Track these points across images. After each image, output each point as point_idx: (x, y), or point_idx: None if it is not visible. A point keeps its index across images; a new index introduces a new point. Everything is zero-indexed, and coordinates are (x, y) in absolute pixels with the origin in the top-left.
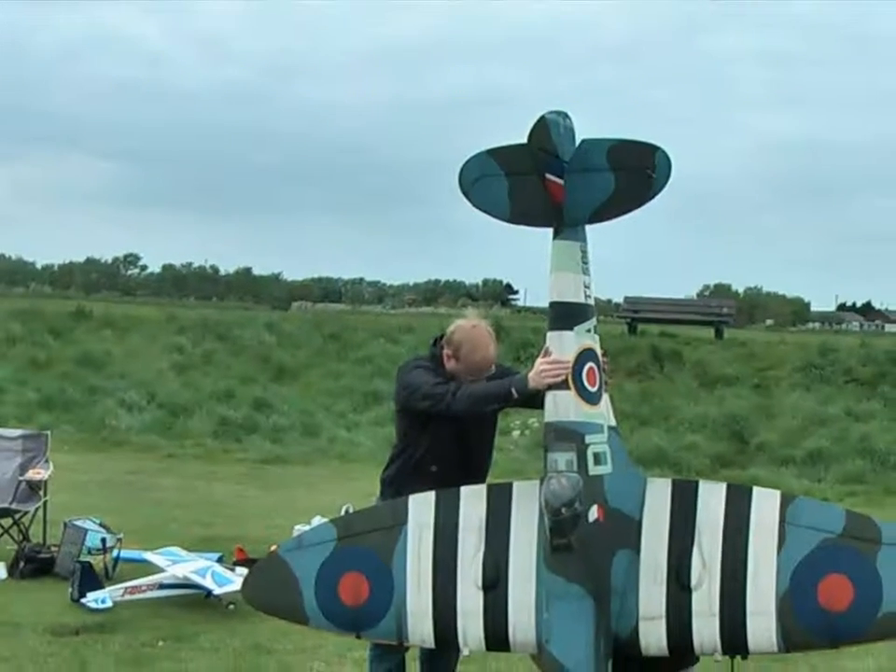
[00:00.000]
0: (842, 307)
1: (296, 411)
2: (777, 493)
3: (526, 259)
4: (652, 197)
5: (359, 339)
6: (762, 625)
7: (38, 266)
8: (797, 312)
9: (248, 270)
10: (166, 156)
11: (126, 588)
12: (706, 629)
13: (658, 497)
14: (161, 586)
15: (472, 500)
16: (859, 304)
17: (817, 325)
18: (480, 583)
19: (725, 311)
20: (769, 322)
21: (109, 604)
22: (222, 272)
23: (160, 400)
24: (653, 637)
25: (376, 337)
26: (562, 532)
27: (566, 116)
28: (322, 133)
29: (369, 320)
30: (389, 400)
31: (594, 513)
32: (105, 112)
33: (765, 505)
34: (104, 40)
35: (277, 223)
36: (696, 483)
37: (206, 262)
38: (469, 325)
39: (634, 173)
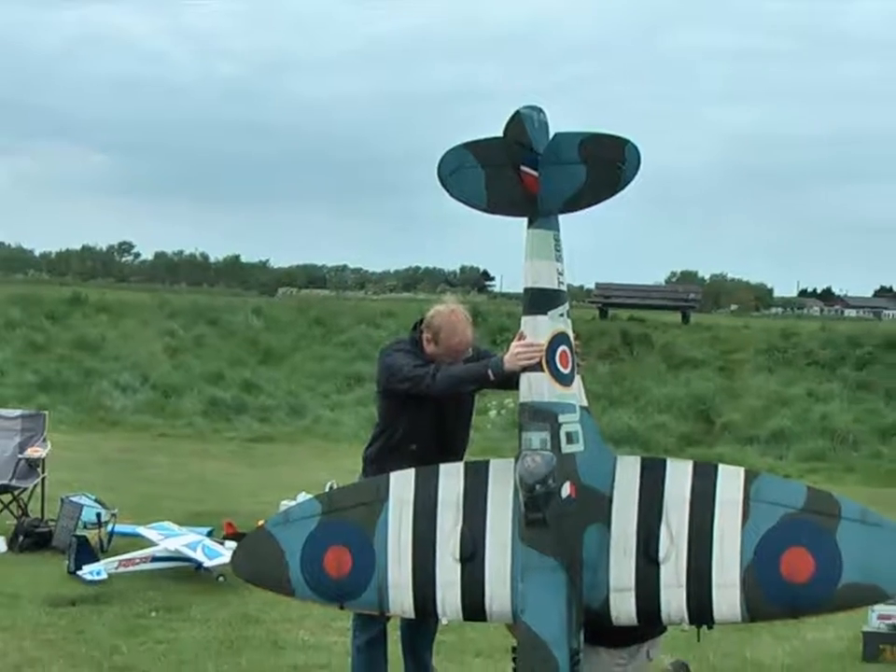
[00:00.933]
0: (803, 293)
1: (282, 392)
2: (742, 470)
3: (502, 248)
4: (622, 188)
5: (343, 323)
6: (727, 596)
7: (37, 254)
8: (760, 297)
9: (237, 257)
10: (159, 149)
11: (120, 561)
12: (673, 600)
13: (628, 474)
14: (154, 559)
15: (450, 477)
16: (819, 290)
17: (779, 310)
18: (457, 556)
19: (691, 296)
20: (733, 307)
21: (104, 576)
22: (212, 259)
23: (152, 382)
24: (623, 608)
25: (359, 322)
26: (536, 507)
27: (539, 110)
28: (309, 127)
29: (352, 305)
30: (371, 382)
31: (566, 490)
32: (101, 107)
33: (730, 482)
34: (101, 38)
35: (264, 213)
36: (664, 460)
37: (197, 250)
38: (448, 310)
39: (604, 165)
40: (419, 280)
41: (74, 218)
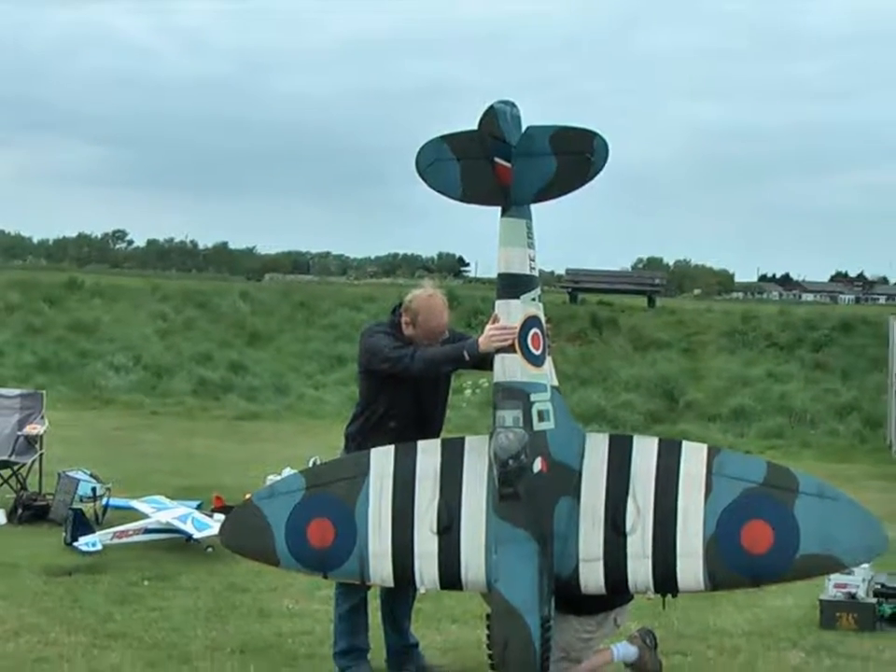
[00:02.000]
0: (763, 278)
1: (268, 372)
2: (704, 446)
3: (477, 235)
4: (591, 178)
5: (326, 307)
6: (690, 566)
7: (35, 241)
8: (722, 282)
9: (225, 244)
10: (151, 141)
11: (114, 532)
12: (639, 570)
13: (596, 450)
14: (146, 531)
15: (428, 453)
16: (778, 276)
17: (740, 294)
18: (434, 528)
19: (657, 281)
20: (697, 292)
21: (99, 547)
22: (201, 246)
23: (144, 363)
24: (592, 577)
25: (341, 305)
26: (509, 482)
27: (513, 105)
28: (293, 121)
29: (334, 290)
30: (353, 363)
31: (538, 465)
32: (97, 102)
33: (693, 457)
34: (95, 36)
35: (251, 202)
36: (631, 437)
37: (187, 237)
38: (426, 294)
39: (574, 156)
40: (398, 266)
41: (70, 207)
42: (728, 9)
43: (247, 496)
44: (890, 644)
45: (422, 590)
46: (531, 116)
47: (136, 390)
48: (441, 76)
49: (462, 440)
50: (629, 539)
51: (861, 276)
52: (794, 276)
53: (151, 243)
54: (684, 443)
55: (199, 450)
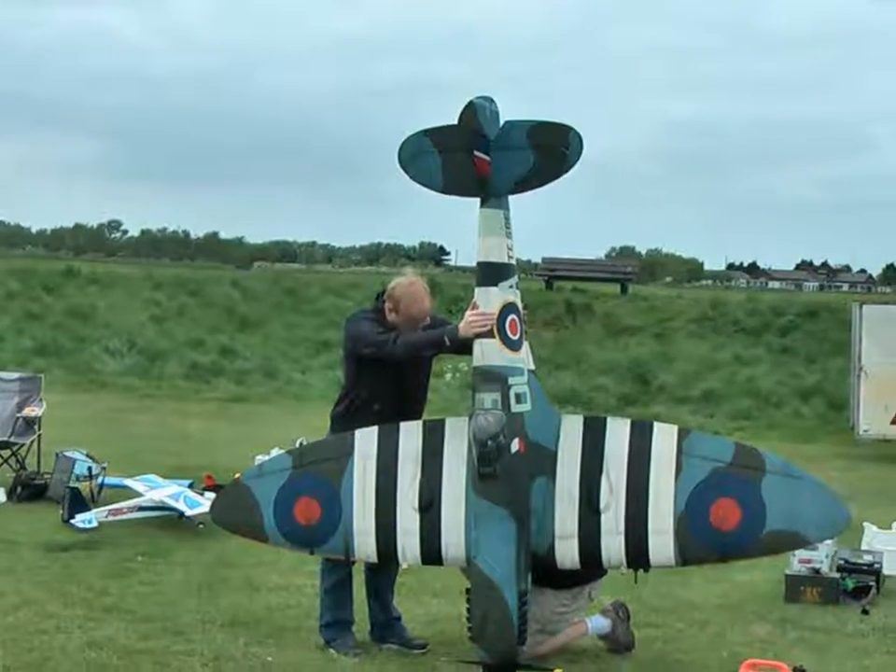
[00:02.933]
0: (731, 266)
1: (257, 357)
2: (675, 428)
3: (457, 225)
4: (567, 171)
5: (312, 294)
6: (661, 543)
7: (33, 231)
8: (692, 270)
9: (215, 234)
10: (144, 135)
11: (109, 510)
12: (612, 546)
13: (571, 431)
14: (140, 508)
15: (410, 434)
16: (745, 264)
17: (709, 282)
18: (416, 506)
19: (629, 270)
20: (668, 279)
21: (95, 524)
22: (193, 236)
23: (139, 348)
24: (567, 553)
25: (326, 293)
26: (488, 462)
27: (491, 100)
28: (281, 115)
29: (320, 278)
30: (338, 348)
31: (515, 445)
32: (92, 97)
33: (664, 438)
34: (91, 34)
35: (241, 193)
36: (605, 419)
37: (179, 227)
38: (408, 282)
39: (550, 150)
40: (381, 255)
41: (67, 198)
42: (695, 9)
43: (237, 475)
44: (852, 617)
45: (404, 565)
46: (509, 111)
47: (131, 374)
48: (422, 71)
49: (443, 421)
50: (603, 517)
51: (824, 265)
52: (761, 265)
53: (145, 232)
54: (656, 425)
55: (191, 431)
